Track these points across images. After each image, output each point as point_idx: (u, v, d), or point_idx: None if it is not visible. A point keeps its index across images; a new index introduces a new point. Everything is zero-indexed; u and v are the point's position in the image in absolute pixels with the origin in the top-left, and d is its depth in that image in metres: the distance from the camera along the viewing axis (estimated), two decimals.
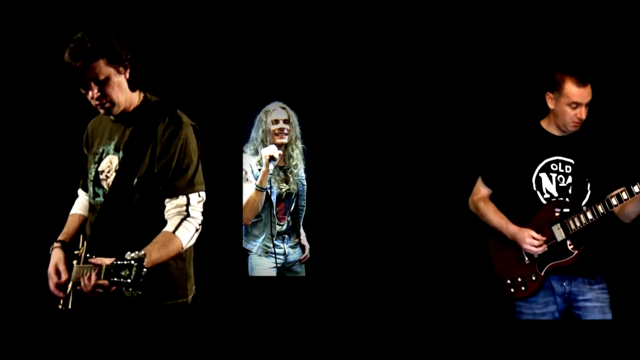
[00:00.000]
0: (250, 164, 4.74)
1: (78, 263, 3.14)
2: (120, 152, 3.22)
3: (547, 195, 4.10)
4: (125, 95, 3.20)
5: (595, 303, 4.07)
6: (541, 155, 4.10)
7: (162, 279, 3.15)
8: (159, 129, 3.18)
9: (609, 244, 4.21)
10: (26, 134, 4.34)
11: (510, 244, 4.12)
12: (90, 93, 3.13)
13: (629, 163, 4.11)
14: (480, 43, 4.70)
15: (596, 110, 4.10)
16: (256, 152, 4.72)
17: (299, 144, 4.84)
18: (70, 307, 3.09)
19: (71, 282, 3.10)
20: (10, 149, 4.29)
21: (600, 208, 3.97)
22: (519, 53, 4.78)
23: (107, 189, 3.21)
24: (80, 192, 3.54)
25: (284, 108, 4.78)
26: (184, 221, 3.17)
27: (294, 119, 4.80)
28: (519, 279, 4.12)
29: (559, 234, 4.08)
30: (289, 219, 4.89)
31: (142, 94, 3.28)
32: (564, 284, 4.11)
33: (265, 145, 4.71)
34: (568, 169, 4.08)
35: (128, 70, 3.18)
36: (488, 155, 4.23)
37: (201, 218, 3.23)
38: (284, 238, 4.87)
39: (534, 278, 4.09)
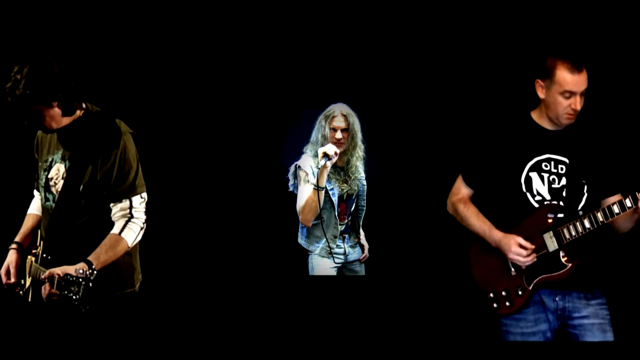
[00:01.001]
0: (311, 165, 4.79)
1: (35, 261, 3.62)
2: (67, 161, 3.56)
3: (538, 198, 3.75)
4: (57, 121, 3.49)
5: (593, 320, 3.72)
6: (531, 152, 3.76)
7: (112, 273, 3.54)
8: (100, 138, 3.52)
9: (607, 256, 3.91)
10: None
11: (494, 252, 3.78)
12: (24, 121, 3.47)
13: (632, 164, 3.88)
14: (463, 24, 4.57)
15: (594, 100, 3.82)
16: (316, 154, 4.77)
17: (359, 150, 4.90)
18: (30, 299, 3.57)
19: (30, 278, 3.61)
20: None
21: (599, 216, 3.61)
22: (506, 35, 4.58)
23: (57, 195, 3.57)
24: (35, 192, 3.88)
25: (345, 115, 4.80)
26: (128, 222, 3.55)
27: (355, 126, 4.83)
28: (504, 293, 3.78)
29: (551, 243, 3.71)
30: (349, 219, 4.95)
31: (83, 109, 3.57)
32: (557, 299, 3.76)
33: None
34: (562, 168, 3.74)
35: (61, 104, 3.44)
36: (469, 151, 3.91)
37: (144, 217, 3.61)
38: (344, 238, 4.93)
39: (520, 292, 3.75)
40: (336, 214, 4.83)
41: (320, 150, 4.67)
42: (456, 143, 4.42)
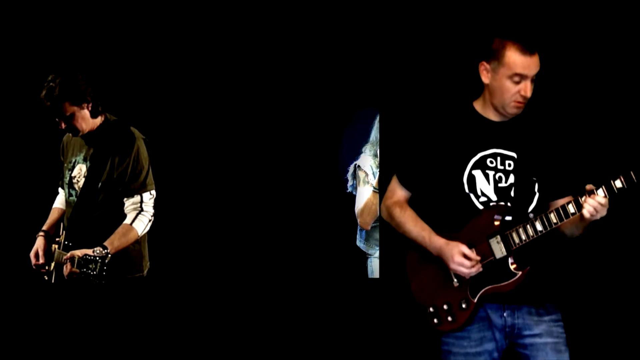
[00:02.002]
0: (371, 165, 4.65)
1: (58, 248, 4.23)
2: (88, 162, 4.19)
3: (483, 199, 3.36)
4: (87, 123, 4.16)
5: (546, 339, 3.33)
6: (474, 148, 3.38)
7: (123, 259, 4.12)
8: (117, 143, 4.16)
9: (563, 265, 3.60)
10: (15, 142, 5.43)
11: (435, 261, 3.39)
12: (59, 125, 4.14)
13: (588, 158, 3.65)
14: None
15: (546, 88, 3.54)
16: (376, 154, 4.62)
17: None
18: (53, 281, 4.20)
19: (53, 263, 4.21)
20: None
21: (553, 217, 3.22)
22: (447, 14, 4.36)
23: (79, 191, 4.20)
24: (60, 190, 4.50)
25: None
26: (139, 215, 4.13)
27: None
28: (445, 307, 3.38)
29: (499, 249, 3.31)
30: None
31: (103, 116, 4.23)
32: (505, 314, 3.36)
33: None
34: (509, 165, 3.36)
35: (90, 104, 4.12)
36: (404, 148, 3.53)
37: (152, 211, 4.19)
38: None
39: (464, 306, 3.35)
40: None
41: None
42: (389, 140, 4.11)
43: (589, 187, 3.15)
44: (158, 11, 5.10)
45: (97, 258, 3.88)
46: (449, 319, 3.35)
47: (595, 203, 3.13)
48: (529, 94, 3.28)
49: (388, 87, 4.82)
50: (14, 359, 5.14)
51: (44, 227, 4.38)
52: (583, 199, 3.15)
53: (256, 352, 5.10)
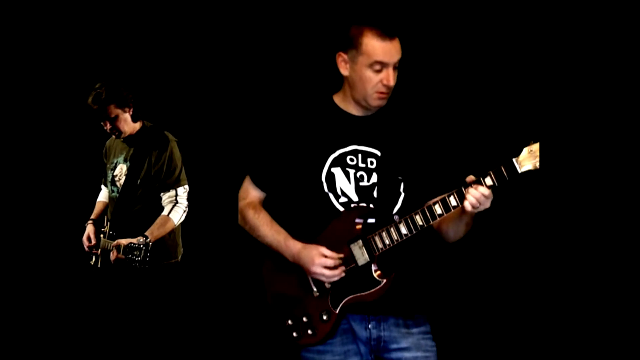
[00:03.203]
0: None
1: (104, 237, 4.82)
2: (128, 162, 4.76)
3: (343, 199, 3.10)
4: (129, 126, 4.75)
5: (415, 353, 3.10)
6: (334, 144, 3.12)
7: (160, 247, 4.67)
8: (153, 145, 4.72)
9: (432, 271, 3.34)
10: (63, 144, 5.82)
11: (292, 268, 3.11)
12: (105, 126, 4.73)
13: (458, 154, 3.34)
14: None
15: (409, 79, 3.30)
16: None
17: None
18: (99, 266, 4.83)
19: (99, 250, 4.82)
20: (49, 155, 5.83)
21: (418, 219, 2.98)
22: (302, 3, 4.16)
23: (120, 188, 4.76)
24: (103, 186, 5.08)
25: None
26: (174, 207, 4.67)
27: None
28: (305, 319, 3.11)
29: (361, 254, 3.05)
30: None
31: (141, 122, 4.81)
32: (370, 326, 3.10)
33: None
34: (372, 162, 3.12)
35: (132, 109, 4.71)
36: (258, 145, 3.28)
37: (186, 203, 4.72)
38: None
39: (325, 318, 3.08)
40: None
41: None
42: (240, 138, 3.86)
43: (469, 178, 2.93)
44: (186, 25, 5.29)
45: (141, 246, 4.47)
46: (309, 332, 3.09)
47: (478, 194, 2.89)
48: (392, 82, 3.04)
49: (243, 79, 4.67)
50: (61, 339, 5.59)
51: (92, 216, 5.02)
52: (466, 190, 2.92)
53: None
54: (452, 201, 2.93)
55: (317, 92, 3.30)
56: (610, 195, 4.28)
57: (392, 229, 3.00)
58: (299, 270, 3.09)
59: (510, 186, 2.94)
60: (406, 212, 3.03)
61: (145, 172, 4.72)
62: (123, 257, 4.54)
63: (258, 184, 3.21)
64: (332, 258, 3.03)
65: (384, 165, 3.10)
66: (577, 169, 4.16)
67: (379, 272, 3.03)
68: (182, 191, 4.74)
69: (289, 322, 3.12)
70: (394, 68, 3.04)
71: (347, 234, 3.05)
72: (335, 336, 3.08)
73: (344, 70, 3.08)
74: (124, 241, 4.58)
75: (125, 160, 4.84)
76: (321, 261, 3.02)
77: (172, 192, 4.71)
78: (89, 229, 4.96)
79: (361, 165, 3.10)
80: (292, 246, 3.09)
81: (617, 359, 4.17)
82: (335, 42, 3.14)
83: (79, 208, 5.29)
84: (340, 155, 3.10)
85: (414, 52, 3.24)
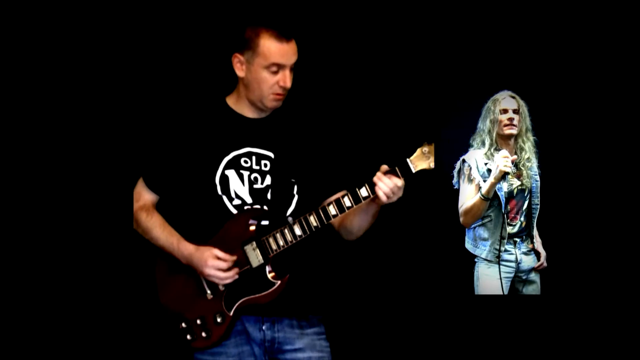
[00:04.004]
0: (476, 158, 4.27)
1: None
2: None
3: (237, 202, 3.10)
4: None
5: (310, 353, 3.12)
6: (227, 146, 3.12)
7: None
8: None
9: (326, 272, 3.35)
10: None
11: (186, 270, 3.09)
12: None
13: (352, 156, 3.37)
14: None
15: (305, 81, 3.30)
16: (483, 144, 4.29)
17: (530, 135, 4.36)
18: None
19: None
20: None
21: (312, 220, 3.00)
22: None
23: None
24: None
25: (513, 97, 4.32)
26: None
27: (524, 109, 4.33)
28: (199, 321, 3.10)
29: (255, 256, 3.05)
30: (522, 219, 4.34)
31: None
32: (264, 327, 3.11)
33: (492, 137, 4.27)
34: (266, 165, 3.13)
35: None
36: (150, 147, 3.24)
37: None
38: (515, 242, 4.32)
39: (219, 320, 3.07)
40: (505, 212, 4.26)
41: (501, 167, 4.10)
42: (132, 138, 3.78)
43: (383, 168, 2.96)
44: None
45: None
46: (203, 334, 3.08)
47: (392, 184, 2.93)
48: (288, 84, 3.05)
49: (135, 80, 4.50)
50: None
51: None
52: (379, 180, 2.94)
53: None
54: (347, 202, 2.96)
55: (209, 93, 3.29)
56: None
57: (286, 231, 3.01)
58: (192, 273, 3.07)
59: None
60: (300, 214, 3.04)
61: None
62: None
63: (151, 186, 3.17)
64: (225, 260, 3.02)
65: (277, 168, 3.11)
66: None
67: (273, 273, 3.04)
68: None
69: (183, 324, 3.10)
70: (290, 69, 3.05)
71: (241, 235, 3.05)
72: (229, 338, 3.08)
73: (240, 71, 3.07)
74: None
75: None
76: (214, 263, 3.01)
77: None
78: None
79: (255, 167, 3.11)
80: (185, 248, 3.06)
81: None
82: (229, 42, 3.13)
83: None
84: (234, 157, 3.09)
85: (308, 53, 3.25)
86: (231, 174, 3.09)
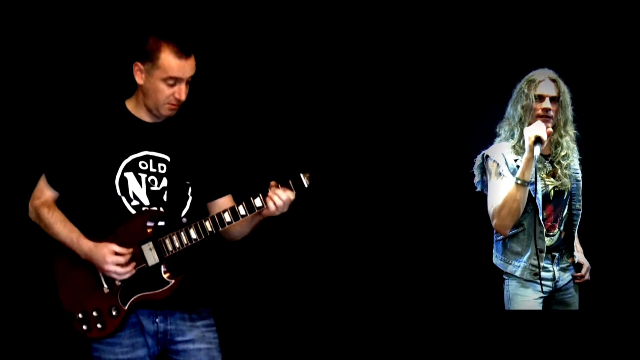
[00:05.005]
0: (503, 153, 3.69)
1: None
2: None
3: (135, 203, 3.23)
4: None
5: (199, 345, 3.29)
6: (126, 149, 3.23)
7: None
8: None
9: (216, 270, 3.51)
10: None
11: (84, 265, 3.21)
12: None
13: (244, 160, 3.61)
14: None
15: (202, 87, 3.45)
16: (511, 135, 3.68)
17: (571, 129, 3.71)
18: None
19: None
20: None
21: (208, 225, 3.18)
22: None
23: None
24: None
25: (554, 80, 3.67)
26: None
27: (566, 97, 3.67)
28: (95, 314, 3.22)
29: (151, 256, 3.20)
30: (561, 228, 3.73)
31: None
32: (157, 320, 3.27)
33: (523, 128, 3.61)
34: (162, 168, 3.25)
35: None
36: (53, 147, 3.29)
37: None
38: (553, 257, 3.70)
39: (114, 313, 3.21)
40: (541, 219, 3.68)
41: (530, 134, 3.51)
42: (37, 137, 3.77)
43: (273, 183, 3.14)
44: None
45: None
46: (99, 325, 3.21)
47: (285, 196, 3.12)
48: (183, 97, 3.17)
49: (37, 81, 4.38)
50: None
51: None
52: (272, 192, 3.13)
53: None
54: (241, 211, 3.14)
55: (110, 96, 3.36)
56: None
57: (182, 233, 3.17)
58: (91, 267, 3.19)
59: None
60: (194, 215, 3.21)
61: None
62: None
63: (52, 184, 3.26)
64: (123, 254, 3.15)
65: (173, 171, 3.24)
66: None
67: (168, 273, 3.19)
68: None
69: (79, 315, 3.22)
70: (186, 83, 3.17)
71: (139, 235, 3.18)
72: (123, 329, 3.21)
73: (139, 79, 3.17)
74: None
75: None
76: (113, 259, 3.14)
77: None
78: None
79: (152, 170, 3.22)
80: (84, 244, 3.18)
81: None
82: (132, 51, 3.20)
83: None
84: (132, 160, 3.21)
85: (208, 62, 3.35)
86: (130, 176, 3.20)
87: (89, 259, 3.18)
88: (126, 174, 3.21)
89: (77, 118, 3.27)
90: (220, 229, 3.17)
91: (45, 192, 3.28)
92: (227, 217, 3.16)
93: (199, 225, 3.16)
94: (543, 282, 3.67)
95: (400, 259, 4.44)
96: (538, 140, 3.50)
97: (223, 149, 3.38)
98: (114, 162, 3.20)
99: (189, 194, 3.28)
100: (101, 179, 3.20)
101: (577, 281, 3.80)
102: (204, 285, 3.35)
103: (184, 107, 3.25)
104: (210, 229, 3.16)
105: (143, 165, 3.22)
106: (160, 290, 3.19)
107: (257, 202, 3.15)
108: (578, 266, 3.77)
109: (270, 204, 3.14)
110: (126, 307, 3.20)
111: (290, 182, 3.15)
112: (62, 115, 3.53)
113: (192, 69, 3.17)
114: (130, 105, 3.27)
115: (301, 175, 3.16)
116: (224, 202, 3.32)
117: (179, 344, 3.28)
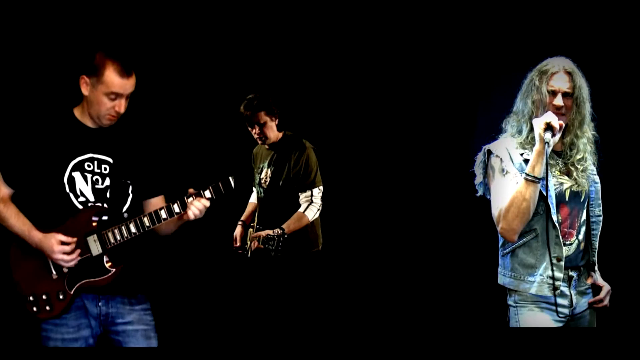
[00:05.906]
0: (507, 147, 3.27)
1: (253, 231, 5.41)
2: (272, 167, 5.34)
3: (82, 199, 3.60)
4: (274, 133, 5.30)
5: (137, 326, 3.68)
6: (74, 152, 3.61)
7: (305, 238, 5.26)
8: (292, 151, 5.28)
9: (152, 260, 3.85)
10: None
11: (36, 254, 3.58)
12: (253, 131, 5.27)
13: (180, 162, 3.95)
14: None
15: (138, 100, 3.71)
16: (519, 131, 3.26)
17: (588, 129, 3.28)
18: (249, 255, 5.32)
19: (249, 241, 5.36)
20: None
21: (146, 221, 3.56)
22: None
23: (265, 188, 5.37)
24: (253, 188, 5.62)
25: (569, 73, 3.23)
26: (310, 205, 5.21)
27: (583, 92, 3.23)
28: (44, 297, 3.58)
29: (95, 247, 3.59)
30: (580, 237, 3.26)
31: (283, 132, 5.36)
32: (100, 304, 3.65)
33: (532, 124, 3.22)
34: (105, 168, 3.64)
35: (277, 119, 5.28)
36: (8, 147, 3.62)
37: (320, 202, 5.24)
38: (571, 279, 3.19)
39: (61, 297, 3.58)
40: (556, 222, 3.23)
41: (539, 121, 3.12)
42: None
43: (191, 191, 3.53)
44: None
45: (275, 237, 4.99)
46: (47, 308, 3.56)
47: (201, 205, 3.53)
48: (122, 110, 3.56)
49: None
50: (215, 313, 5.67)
51: (242, 217, 5.57)
52: (190, 200, 3.51)
53: None
54: (176, 208, 3.54)
55: (59, 104, 3.69)
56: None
57: (123, 228, 3.55)
58: (41, 256, 3.56)
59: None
60: (134, 211, 3.60)
61: (285, 174, 5.24)
62: (262, 246, 5.06)
63: (8, 182, 3.60)
64: (69, 243, 3.51)
65: (115, 171, 3.62)
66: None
67: (110, 262, 3.58)
68: (317, 192, 5.22)
69: (30, 298, 3.57)
70: (126, 98, 3.56)
71: (84, 228, 3.55)
72: (69, 312, 3.58)
73: (85, 90, 3.55)
74: (263, 233, 5.10)
75: (269, 165, 5.34)
76: (60, 248, 3.51)
77: (308, 193, 5.20)
78: (237, 230, 5.50)
79: (97, 170, 3.60)
80: (35, 235, 3.54)
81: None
82: (80, 64, 3.55)
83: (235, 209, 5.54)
84: (79, 161, 3.58)
85: (148, 74, 3.64)
86: (77, 175, 3.57)
87: (40, 248, 3.54)
88: (74, 174, 3.56)
89: (30, 123, 3.61)
90: (157, 224, 3.54)
91: (1, 189, 3.62)
92: (163, 214, 3.54)
93: (138, 220, 3.54)
94: (558, 308, 3.22)
95: (393, 266, 5.07)
96: (549, 127, 3.15)
97: (159, 153, 3.74)
98: (62, 163, 3.56)
99: (130, 192, 3.65)
100: (51, 178, 3.55)
101: (595, 306, 3.30)
102: (142, 273, 3.72)
103: (125, 115, 3.60)
104: (148, 224, 3.54)
105: (88, 166, 3.59)
106: (103, 277, 3.57)
107: (175, 208, 3.54)
108: (596, 288, 3.29)
109: (189, 212, 3.53)
110: (72, 292, 3.56)
111: (202, 191, 3.53)
112: (16, 120, 3.83)
113: (132, 87, 3.55)
114: (77, 112, 3.63)
115: (210, 187, 3.53)
116: (157, 201, 3.72)
117: (119, 325, 3.65)
